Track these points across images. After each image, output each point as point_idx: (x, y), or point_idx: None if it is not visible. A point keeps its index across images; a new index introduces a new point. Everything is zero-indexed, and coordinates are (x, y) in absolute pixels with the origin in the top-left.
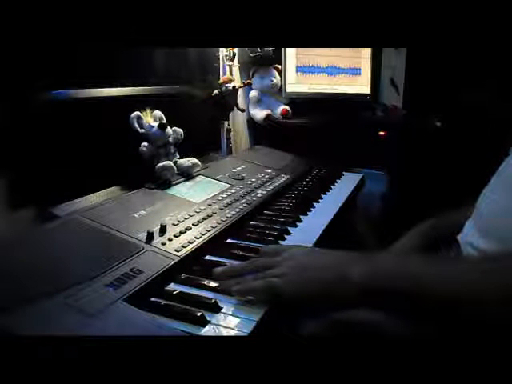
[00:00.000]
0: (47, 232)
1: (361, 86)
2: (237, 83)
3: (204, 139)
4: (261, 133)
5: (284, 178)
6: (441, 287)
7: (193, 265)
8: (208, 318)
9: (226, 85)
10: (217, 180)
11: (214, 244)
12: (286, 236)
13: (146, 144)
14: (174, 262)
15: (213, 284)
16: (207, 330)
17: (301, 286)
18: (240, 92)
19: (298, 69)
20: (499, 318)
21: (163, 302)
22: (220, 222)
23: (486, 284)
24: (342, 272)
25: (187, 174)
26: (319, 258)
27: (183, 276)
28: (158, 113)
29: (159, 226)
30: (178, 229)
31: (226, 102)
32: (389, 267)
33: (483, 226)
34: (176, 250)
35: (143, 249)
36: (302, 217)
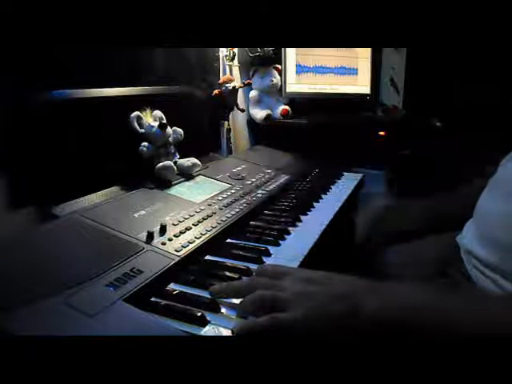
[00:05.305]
0: (47, 232)
1: (361, 86)
2: (237, 83)
3: (204, 139)
4: (261, 133)
5: (284, 177)
6: (463, 327)
7: (193, 265)
8: (208, 318)
9: (226, 85)
10: (217, 180)
11: (214, 244)
12: (285, 236)
13: (146, 144)
14: (174, 262)
15: (213, 284)
16: (207, 330)
17: (310, 321)
18: (240, 92)
19: (298, 69)
20: None
21: (163, 302)
22: (220, 221)
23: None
24: (354, 304)
25: (187, 174)
26: (327, 287)
27: (183, 276)
28: (158, 113)
29: (159, 226)
30: (177, 229)
31: (226, 101)
32: (405, 301)
33: (482, 232)
34: (176, 250)
35: (143, 249)
36: (302, 217)
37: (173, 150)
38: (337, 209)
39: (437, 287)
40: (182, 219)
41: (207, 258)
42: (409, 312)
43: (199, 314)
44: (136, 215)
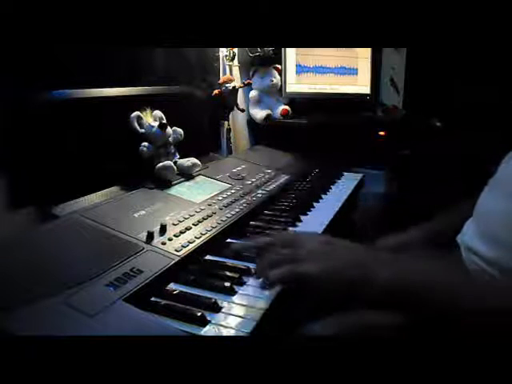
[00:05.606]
0: (47, 232)
1: (361, 86)
2: (237, 83)
3: (204, 139)
4: (261, 133)
5: (284, 177)
6: (470, 300)
7: (193, 265)
8: (208, 318)
9: (226, 85)
10: (217, 180)
11: (214, 244)
12: None
13: (146, 144)
14: (173, 261)
15: (213, 283)
16: (207, 330)
17: (325, 280)
18: (240, 92)
19: (298, 69)
20: None
21: (163, 302)
22: (220, 221)
23: (494, 298)
24: (367, 272)
25: (187, 174)
26: (343, 253)
27: (183, 276)
28: (158, 113)
29: (159, 226)
30: (177, 229)
31: (226, 101)
32: (417, 272)
33: (483, 230)
34: (176, 250)
35: (143, 249)
36: (302, 217)
37: (173, 150)
38: (337, 209)
39: (448, 261)
40: (182, 219)
41: (207, 257)
42: (420, 283)
43: (199, 314)
44: (136, 215)
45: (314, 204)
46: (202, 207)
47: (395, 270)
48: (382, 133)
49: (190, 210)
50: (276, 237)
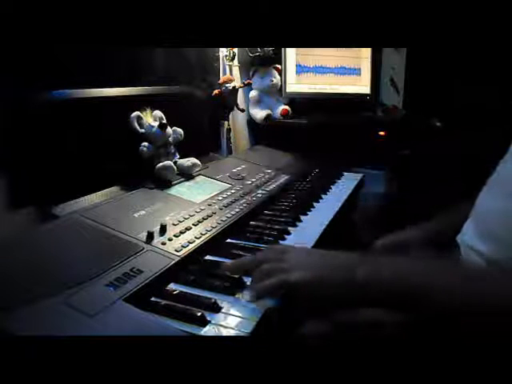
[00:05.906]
0: (47, 232)
1: (361, 86)
2: (237, 83)
3: (204, 139)
4: (261, 133)
5: (284, 177)
6: (444, 297)
7: (193, 265)
8: (208, 318)
9: (226, 85)
10: (217, 180)
11: (214, 244)
12: (286, 236)
13: (146, 144)
14: (174, 261)
15: (213, 283)
16: (207, 330)
17: (312, 285)
18: (240, 92)
19: (298, 69)
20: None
21: (163, 302)
22: (220, 222)
23: (493, 296)
24: (351, 274)
25: (187, 174)
26: (327, 259)
27: (183, 276)
28: (158, 113)
29: (159, 226)
30: (177, 229)
31: (226, 101)
32: (391, 268)
33: (482, 229)
34: (176, 250)
35: (143, 249)
36: (302, 217)
37: (173, 150)
38: (337, 209)
39: (446, 261)
40: (182, 219)
41: (207, 257)
42: (394, 278)
43: (199, 314)
44: (136, 215)
45: (314, 204)
46: (202, 207)
47: (372, 268)
48: (382, 133)
49: (189, 210)
50: (258, 255)
